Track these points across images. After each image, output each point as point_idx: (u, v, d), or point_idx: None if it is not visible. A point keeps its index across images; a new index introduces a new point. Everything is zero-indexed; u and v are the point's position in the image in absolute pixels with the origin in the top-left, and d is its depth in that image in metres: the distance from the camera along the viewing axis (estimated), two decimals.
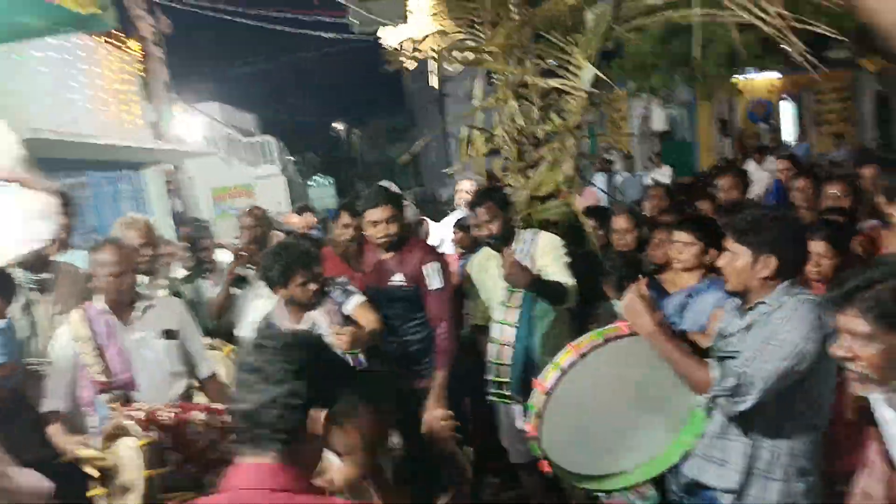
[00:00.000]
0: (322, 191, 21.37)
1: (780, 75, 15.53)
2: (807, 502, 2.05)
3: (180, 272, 4.33)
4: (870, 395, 1.61)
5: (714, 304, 2.54)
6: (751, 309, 2.09)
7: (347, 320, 2.98)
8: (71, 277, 3.20)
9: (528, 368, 3.09)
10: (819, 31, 3.51)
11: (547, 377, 2.15)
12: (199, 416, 2.14)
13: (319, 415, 1.22)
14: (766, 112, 17.45)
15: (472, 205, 3.38)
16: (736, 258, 2.08)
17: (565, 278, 3.16)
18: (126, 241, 3.22)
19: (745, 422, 2.04)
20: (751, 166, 9.60)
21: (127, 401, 2.58)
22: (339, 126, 42.99)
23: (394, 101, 34.74)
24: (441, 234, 4.95)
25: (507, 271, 3.05)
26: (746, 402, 1.93)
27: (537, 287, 3.11)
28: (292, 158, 21.70)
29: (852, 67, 14.78)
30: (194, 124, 13.88)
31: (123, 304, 2.83)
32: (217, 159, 16.31)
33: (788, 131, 17.24)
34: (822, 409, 2.07)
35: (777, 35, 3.06)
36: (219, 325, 3.86)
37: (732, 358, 2.04)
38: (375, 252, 3.40)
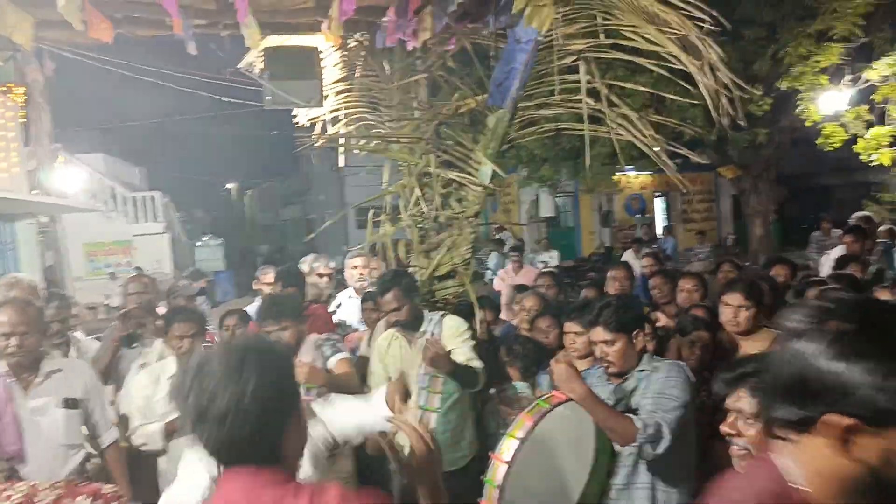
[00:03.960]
0: (210, 252, 20.64)
1: (653, 173, 17.16)
2: None
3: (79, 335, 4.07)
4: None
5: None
6: (626, 380, 2.48)
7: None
8: None
9: None
10: (681, 150, 4.10)
11: (504, 449, 2.28)
12: (84, 502, 2.04)
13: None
14: (640, 206, 19.13)
15: (379, 291, 3.40)
16: (614, 344, 2.44)
17: (475, 362, 3.23)
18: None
19: (655, 464, 2.37)
20: (629, 256, 10.46)
21: (12, 475, 2.40)
22: (231, 186, 42.06)
23: (289, 166, 34.62)
24: (340, 301, 5.00)
25: (430, 358, 3.04)
26: (663, 444, 2.26)
27: (458, 373, 3.14)
28: (178, 216, 20.90)
29: (713, 172, 16.63)
30: (75, 176, 13.12)
31: (25, 368, 2.66)
32: (95, 213, 15.48)
33: (660, 225, 18.91)
34: (693, 449, 2.47)
35: (649, 152, 3.53)
36: None
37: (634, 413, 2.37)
38: None
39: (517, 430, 2.29)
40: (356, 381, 3.32)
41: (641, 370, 2.47)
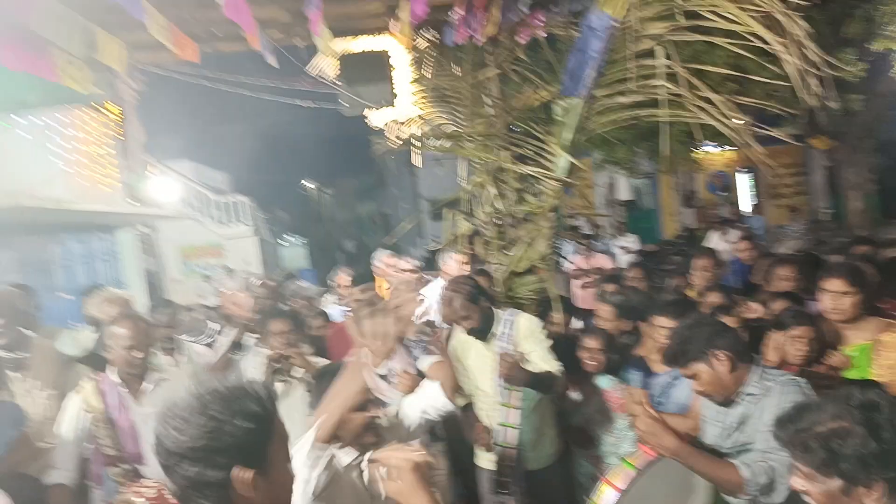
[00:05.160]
0: (294, 251, 21.37)
1: (736, 149, 16.35)
2: None
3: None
4: None
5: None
6: (734, 402, 2.15)
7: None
8: (46, 353, 3.22)
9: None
10: (768, 130, 3.89)
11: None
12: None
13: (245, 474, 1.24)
14: (724, 183, 18.31)
15: (444, 301, 3.29)
16: (701, 376, 2.17)
17: (552, 364, 3.07)
18: (107, 315, 3.26)
19: None
20: (714, 238, 10.04)
21: (135, 475, 2.59)
22: (309, 185, 43.29)
23: (363, 162, 35.23)
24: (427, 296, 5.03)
25: (505, 372, 2.94)
26: (781, 494, 1.95)
27: (534, 383, 3.01)
28: (263, 217, 21.72)
29: (803, 144, 15.66)
30: (168, 184, 13.87)
31: (135, 378, 2.87)
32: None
33: (745, 202, 18.03)
34: None
35: (734, 138, 3.38)
36: None
37: (745, 452, 2.09)
38: None
39: (608, 487, 2.08)
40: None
41: (750, 393, 2.13)
